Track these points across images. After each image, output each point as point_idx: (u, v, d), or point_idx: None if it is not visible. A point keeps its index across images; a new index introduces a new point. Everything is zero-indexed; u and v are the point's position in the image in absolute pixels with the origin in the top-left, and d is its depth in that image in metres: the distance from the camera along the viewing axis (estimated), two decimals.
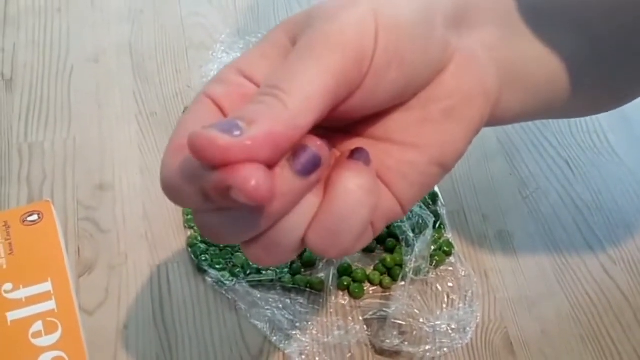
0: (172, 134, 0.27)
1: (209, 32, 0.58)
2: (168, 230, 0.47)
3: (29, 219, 0.45)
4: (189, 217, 0.47)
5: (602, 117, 0.54)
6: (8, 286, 0.42)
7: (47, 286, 0.42)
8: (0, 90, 0.53)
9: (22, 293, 0.41)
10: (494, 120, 0.32)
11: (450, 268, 0.46)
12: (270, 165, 0.24)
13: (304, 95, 0.25)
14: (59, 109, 0.53)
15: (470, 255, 0.47)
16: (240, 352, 0.42)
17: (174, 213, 0.48)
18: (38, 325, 0.40)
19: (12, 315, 0.40)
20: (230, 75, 0.28)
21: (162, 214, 0.48)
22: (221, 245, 0.46)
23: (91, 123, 0.52)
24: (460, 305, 0.44)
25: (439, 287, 0.45)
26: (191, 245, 0.46)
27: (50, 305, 0.41)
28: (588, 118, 0.54)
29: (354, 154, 0.27)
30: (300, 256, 0.46)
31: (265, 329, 0.43)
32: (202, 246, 0.46)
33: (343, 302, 0.44)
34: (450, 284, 0.45)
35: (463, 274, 0.46)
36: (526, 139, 0.53)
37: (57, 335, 0.40)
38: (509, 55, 0.32)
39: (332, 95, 0.25)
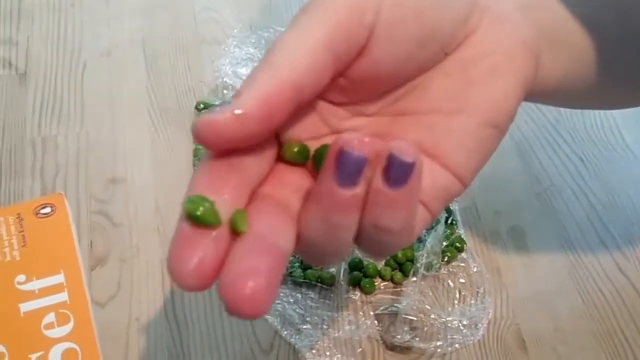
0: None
1: (221, 26, 0.58)
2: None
3: (42, 211, 0.45)
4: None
5: (617, 113, 0.54)
6: (21, 278, 0.42)
7: (59, 278, 0.42)
8: (14, 84, 0.53)
9: (35, 285, 0.42)
10: (538, 86, 0.30)
11: (462, 264, 0.46)
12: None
13: (290, 50, 0.24)
14: (72, 103, 0.53)
15: (482, 252, 0.47)
16: (251, 346, 0.42)
17: None
18: (50, 317, 0.40)
19: (25, 307, 0.41)
20: None
21: (174, 208, 0.48)
22: None
23: (104, 117, 0.52)
24: (472, 301, 0.44)
25: (451, 283, 0.45)
26: None
27: (63, 297, 0.41)
28: (602, 115, 0.54)
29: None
30: None
31: (276, 324, 0.43)
32: None
33: (354, 297, 0.44)
34: (462, 280, 0.45)
35: (475, 270, 0.45)
36: (540, 135, 0.52)
37: (69, 326, 0.40)
38: (547, 16, 0.30)
39: (327, 50, 0.24)
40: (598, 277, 0.45)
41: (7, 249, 0.42)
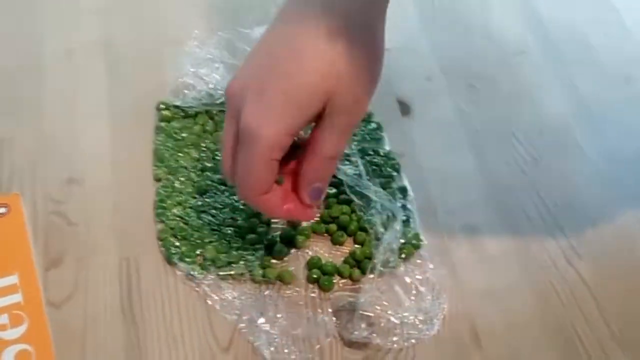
0: None
1: (183, 28, 0.58)
2: (137, 224, 0.47)
3: None
4: (159, 211, 0.47)
5: (570, 113, 0.55)
6: None
7: (13, 279, 0.42)
8: None
9: None
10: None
11: (419, 261, 0.46)
12: None
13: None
14: (29, 104, 0.52)
15: (438, 248, 0.47)
16: (210, 343, 0.42)
17: (143, 207, 0.48)
18: (4, 318, 0.40)
19: None
20: None
21: (132, 208, 0.48)
22: (192, 239, 0.46)
23: (62, 119, 0.52)
24: (428, 297, 0.45)
25: (407, 280, 0.45)
26: (162, 238, 0.46)
27: (17, 298, 0.41)
28: (557, 116, 0.55)
29: None
30: (270, 250, 0.46)
31: (234, 320, 0.43)
32: (173, 239, 0.46)
33: (312, 294, 0.45)
34: (418, 277, 0.46)
35: (431, 267, 0.46)
36: (493, 134, 0.53)
37: (23, 328, 0.40)
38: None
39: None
40: (550, 272, 0.47)
41: None
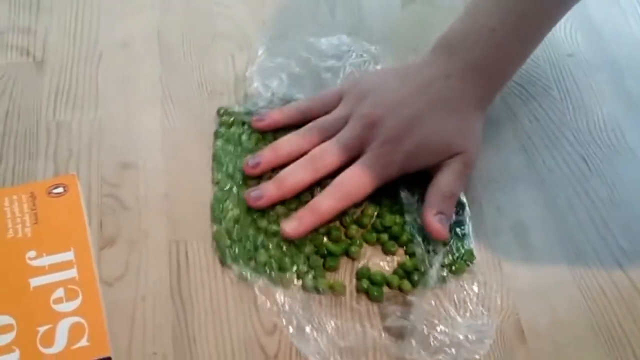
0: None
1: (235, 22, 0.60)
2: (188, 210, 0.48)
3: (55, 191, 0.46)
4: (215, 213, 0.47)
5: (620, 114, 0.55)
6: (32, 253, 0.43)
7: (69, 255, 0.43)
8: (31, 71, 0.55)
9: (45, 261, 0.43)
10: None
11: (471, 276, 0.46)
12: None
13: None
14: (87, 91, 0.54)
15: (485, 246, 0.47)
16: (255, 327, 0.43)
17: (196, 195, 0.49)
18: (59, 292, 0.41)
19: (35, 282, 0.42)
20: None
21: (184, 195, 0.49)
22: (247, 242, 0.46)
23: (117, 105, 0.53)
24: (479, 315, 0.44)
25: (458, 296, 0.45)
26: (217, 239, 0.46)
27: (72, 273, 0.42)
28: (606, 116, 0.54)
29: None
30: (324, 259, 0.46)
31: (281, 326, 0.43)
32: (228, 241, 0.46)
33: (363, 307, 0.44)
34: (469, 293, 0.45)
35: (483, 282, 0.45)
36: (543, 134, 0.53)
37: (77, 302, 0.41)
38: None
39: None
40: (597, 271, 0.46)
41: (19, 226, 0.43)
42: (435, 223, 0.45)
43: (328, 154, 0.47)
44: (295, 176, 0.47)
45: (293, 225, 0.46)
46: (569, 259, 0.47)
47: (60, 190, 0.46)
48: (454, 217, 0.47)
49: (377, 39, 0.58)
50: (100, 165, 0.50)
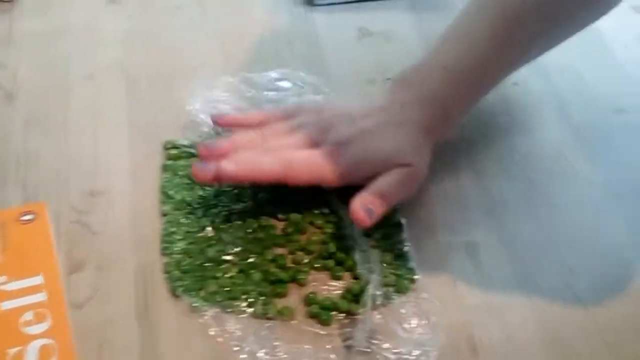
0: None
1: (198, 56, 0.62)
2: (154, 236, 0.50)
3: (24, 218, 0.48)
4: (165, 245, 0.49)
5: (564, 140, 0.58)
6: (2, 279, 0.44)
7: (38, 279, 0.45)
8: (2, 103, 0.57)
9: (15, 285, 0.44)
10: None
11: (414, 293, 0.48)
12: None
13: None
14: (56, 121, 0.56)
15: (438, 264, 0.49)
16: (217, 349, 0.44)
17: (162, 220, 0.50)
18: (29, 315, 0.43)
19: (4, 305, 0.43)
20: None
21: (151, 221, 0.50)
22: (196, 273, 0.47)
23: (85, 135, 0.55)
24: (424, 330, 0.45)
25: (405, 313, 0.46)
26: (167, 271, 0.48)
27: (41, 297, 0.44)
28: (553, 143, 0.58)
29: None
30: (273, 287, 0.47)
31: (236, 353, 0.44)
32: (177, 273, 0.47)
33: (312, 329, 0.46)
34: (414, 309, 0.46)
35: (426, 298, 0.47)
36: (493, 158, 0.56)
37: (46, 324, 0.43)
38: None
39: None
40: (546, 288, 0.48)
41: None
42: (361, 212, 0.47)
43: (284, 144, 0.50)
44: (253, 156, 0.49)
45: (229, 165, 0.48)
46: (518, 278, 0.49)
47: (29, 217, 0.48)
48: (379, 214, 0.48)
49: (333, 72, 0.61)
50: (69, 192, 0.51)
